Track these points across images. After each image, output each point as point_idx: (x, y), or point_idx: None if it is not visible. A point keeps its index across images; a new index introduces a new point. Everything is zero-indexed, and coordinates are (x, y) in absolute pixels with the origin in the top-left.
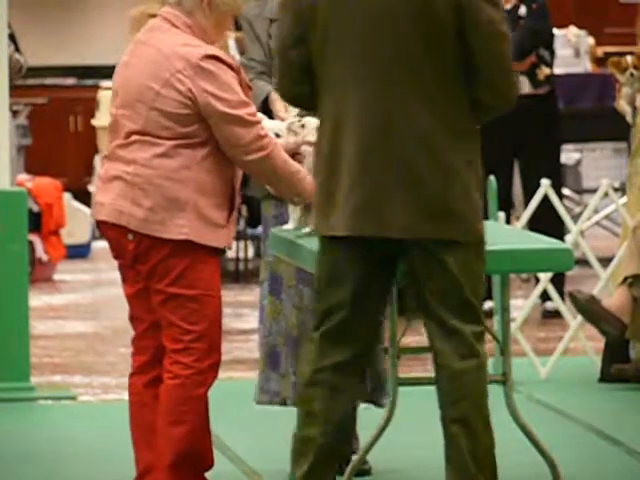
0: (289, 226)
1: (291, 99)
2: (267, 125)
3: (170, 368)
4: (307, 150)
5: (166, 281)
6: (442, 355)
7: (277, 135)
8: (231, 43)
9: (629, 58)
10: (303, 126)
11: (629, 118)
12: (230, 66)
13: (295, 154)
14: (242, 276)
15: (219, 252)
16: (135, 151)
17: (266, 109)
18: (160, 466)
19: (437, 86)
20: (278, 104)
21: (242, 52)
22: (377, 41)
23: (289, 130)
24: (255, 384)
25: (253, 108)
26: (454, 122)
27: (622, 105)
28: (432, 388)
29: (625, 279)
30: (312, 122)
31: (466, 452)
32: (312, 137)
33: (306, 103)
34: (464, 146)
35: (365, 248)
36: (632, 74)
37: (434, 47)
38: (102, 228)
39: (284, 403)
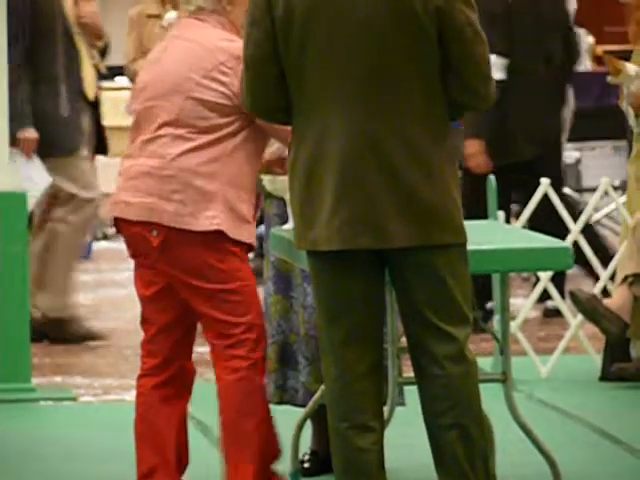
0: (289, 226)
1: (265, 112)
2: None
3: (227, 364)
4: None
5: (203, 279)
6: (436, 362)
7: None
8: None
9: None
10: None
11: None
12: None
13: (283, 158)
14: None
15: (246, 248)
16: (163, 146)
17: None
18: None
19: (419, 91)
20: None
21: None
22: (358, 53)
23: None
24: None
25: None
26: (434, 124)
27: None
28: None
29: (625, 278)
30: None
31: (463, 458)
32: None
33: (281, 116)
34: (444, 146)
35: (355, 259)
36: None
37: (417, 54)
38: (124, 226)
39: (296, 402)
